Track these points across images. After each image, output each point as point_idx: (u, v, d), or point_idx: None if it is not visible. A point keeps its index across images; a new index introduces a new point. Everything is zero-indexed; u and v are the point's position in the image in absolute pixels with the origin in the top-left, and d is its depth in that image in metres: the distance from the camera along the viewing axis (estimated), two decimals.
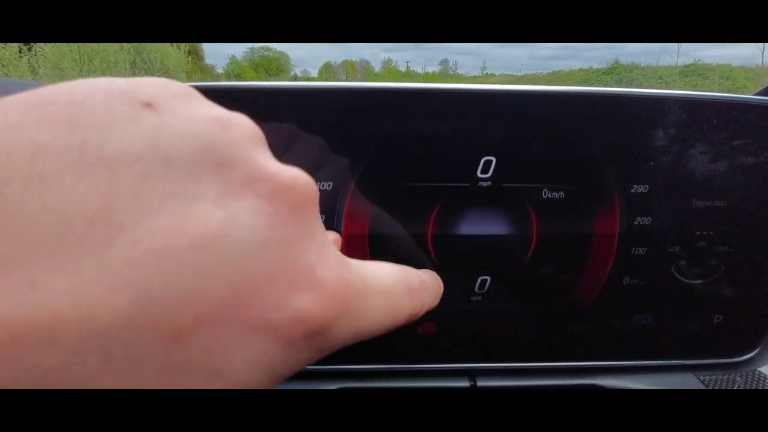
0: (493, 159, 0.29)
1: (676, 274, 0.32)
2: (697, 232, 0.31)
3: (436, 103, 0.28)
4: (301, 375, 0.31)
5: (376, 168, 0.29)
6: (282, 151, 0.28)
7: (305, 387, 0.30)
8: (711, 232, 0.31)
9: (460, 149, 0.29)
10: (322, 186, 0.28)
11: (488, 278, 0.31)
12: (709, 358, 0.33)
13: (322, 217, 0.29)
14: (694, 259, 0.32)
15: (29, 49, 7.56)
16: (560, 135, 0.29)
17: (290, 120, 0.27)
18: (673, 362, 0.33)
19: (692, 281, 0.32)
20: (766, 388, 0.32)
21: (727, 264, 0.32)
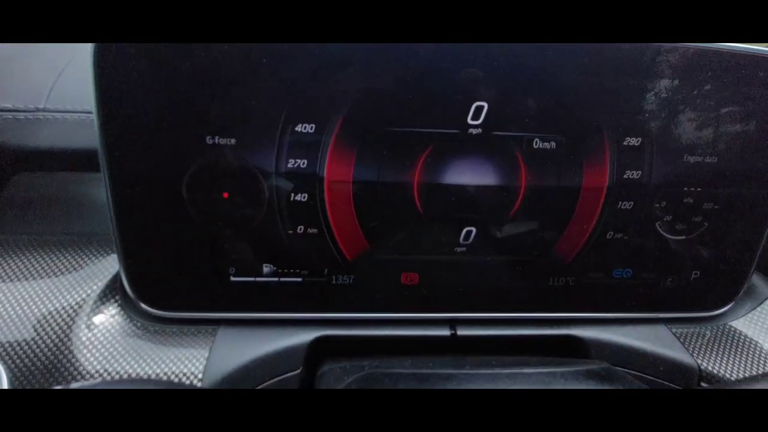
0: (485, 105, 0.27)
1: (660, 229, 0.32)
2: (685, 189, 0.31)
3: (428, 49, 0.26)
4: (278, 322, 0.31)
5: (361, 111, 0.27)
6: (261, 90, 0.26)
7: (288, 334, 0.30)
8: (699, 189, 0.31)
9: (451, 93, 0.27)
10: (303, 128, 0.27)
11: (473, 230, 0.30)
12: (683, 312, 0.34)
13: (303, 162, 0.28)
14: (678, 215, 0.32)
15: None
16: (553, 85, 0.28)
17: (272, 59, 0.25)
18: (649, 315, 0.34)
19: (675, 237, 0.32)
20: (733, 340, 0.34)
21: (710, 221, 0.32)
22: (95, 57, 0.24)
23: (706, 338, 0.34)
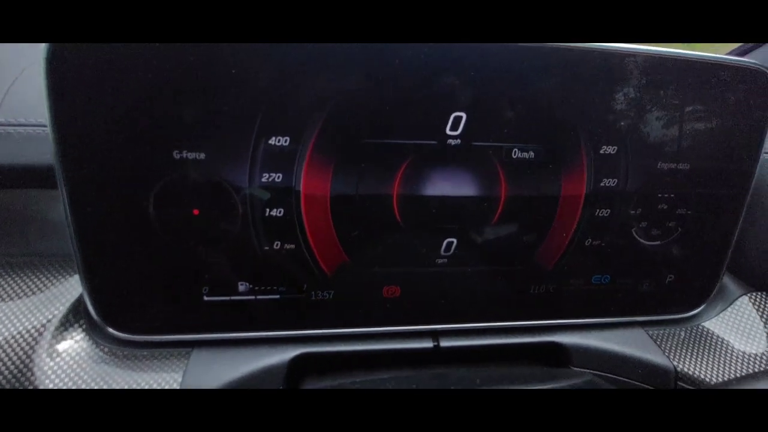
0: (464, 115, 0.27)
1: (635, 235, 0.32)
2: (659, 195, 0.31)
3: (405, 56, 0.25)
4: (263, 341, 0.29)
5: (338, 122, 0.26)
6: (232, 99, 0.25)
7: (266, 354, 0.29)
8: (672, 195, 0.32)
9: (429, 104, 0.27)
10: (277, 141, 0.26)
11: (454, 240, 0.30)
12: (659, 315, 0.35)
13: (278, 176, 0.26)
14: (653, 221, 0.32)
15: None
16: (530, 92, 0.28)
17: (243, 67, 0.24)
18: (626, 319, 0.34)
19: (650, 243, 0.33)
20: (706, 341, 0.35)
21: (683, 226, 0.33)
22: (48, 61, 0.22)
23: (681, 339, 0.35)
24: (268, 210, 0.27)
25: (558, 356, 0.33)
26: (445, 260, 0.30)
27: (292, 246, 0.28)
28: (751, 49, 0.47)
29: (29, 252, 0.31)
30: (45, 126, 0.29)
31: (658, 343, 0.34)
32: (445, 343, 0.32)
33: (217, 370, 0.28)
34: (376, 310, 0.31)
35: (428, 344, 0.32)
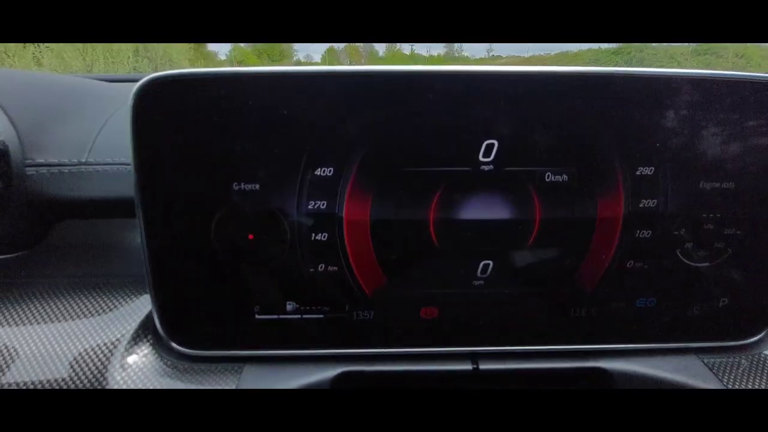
0: (495, 142, 0.28)
1: (681, 257, 0.31)
2: (704, 215, 0.31)
3: (437, 87, 0.27)
4: (302, 359, 0.31)
5: (377, 153, 0.28)
6: (282, 137, 0.28)
7: (311, 371, 0.31)
8: (718, 215, 0.31)
9: (461, 133, 0.28)
10: (322, 172, 0.28)
11: (490, 263, 0.31)
12: (713, 341, 0.33)
13: (323, 204, 0.29)
14: (700, 242, 0.31)
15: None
16: (563, 117, 0.29)
17: (291, 105, 0.27)
18: (677, 345, 0.33)
19: (698, 264, 0.32)
20: None
21: (734, 247, 0.31)
22: (134, 108, 0.27)
23: (743, 369, 0.33)
24: (313, 235, 0.29)
25: (602, 383, 0.32)
26: (482, 282, 0.31)
27: (335, 268, 0.30)
28: None
29: (107, 273, 0.36)
30: (125, 164, 0.34)
31: (714, 371, 0.32)
32: (484, 365, 0.32)
33: (267, 384, 0.30)
34: (414, 331, 0.32)
35: (467, 366, 0.32)
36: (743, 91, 0.29)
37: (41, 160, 0.33)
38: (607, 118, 0.29)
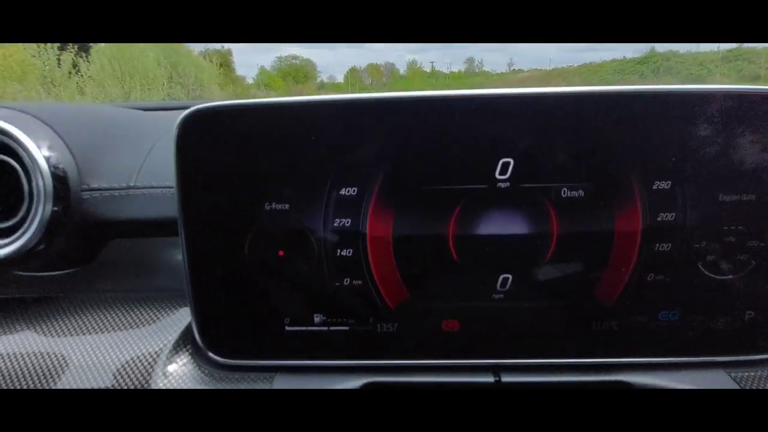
0: (511, 161, 0.30)
1: (703, 269, 0.31)
2: (725, 227, 0.31)
3: (453, 111, 0.29)
4: (329, 369, 0.33)
5: (398, 173, 0.30)
6: (309, 160, 0.30)
7: (338, 381, 0.32)
8: (740, 227, 0.31)
9: (478, 152, 0.30)
10: (347, 192, 0.30)
11: (510, 276, 0.32)
12: (741, 355, 0.33)
13: (347, 221, 0.31)
14: (722, 254, 0.31)
15: (77, 72, 8.15)
16: (577, 135, 0.30)
17: (317, 131, 0.30)
18: (703, 359, 0.33)
19: (721, 277, 0.32)
20: None
21: (758, 259, 0.31)
22: (177, 140, 0.30)
23: None
24: (339, 251, 0.31)
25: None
26: (502, 296, 0.32)
27: (360, 282, 0.32)
28: None
29: (150, 288, 0.39)
30: (167, 187, 0.37)
31: (742, 385, 0.31)
32: (506, 378, 0.33)
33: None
34: (436, 343, 0.33)
35: (489, 379, 0.33)
36: (760, 104, 0.29)
37: (95, 185, 0.37)
38: (621, 135, 0.30)
